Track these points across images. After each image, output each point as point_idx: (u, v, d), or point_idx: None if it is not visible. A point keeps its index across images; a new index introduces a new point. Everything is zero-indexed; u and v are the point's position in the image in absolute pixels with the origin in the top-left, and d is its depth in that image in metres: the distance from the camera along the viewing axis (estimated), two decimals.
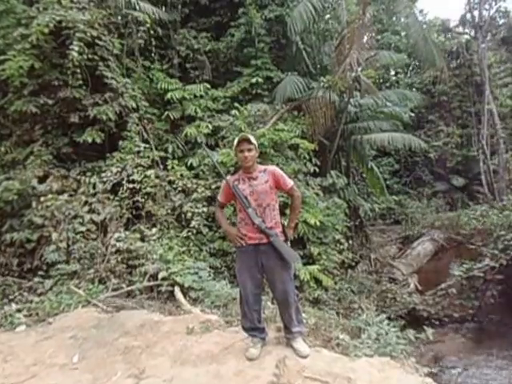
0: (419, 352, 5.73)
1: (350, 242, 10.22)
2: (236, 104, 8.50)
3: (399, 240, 13.03)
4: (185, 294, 5.21)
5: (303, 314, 4.39)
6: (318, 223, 7.18)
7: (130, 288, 5.39)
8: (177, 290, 5.02)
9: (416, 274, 10.09)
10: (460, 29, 18.33)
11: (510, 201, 9.68)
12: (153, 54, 9.12)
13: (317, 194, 8.22)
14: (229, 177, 3.47)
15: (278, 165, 7.71)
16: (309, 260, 7.41)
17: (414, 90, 16.99)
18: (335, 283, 7.67)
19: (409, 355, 3.62)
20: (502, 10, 17.27)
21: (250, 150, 3.25)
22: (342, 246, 8.23)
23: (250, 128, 8.12)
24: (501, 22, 18.20)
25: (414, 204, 15.62)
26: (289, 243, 3.36)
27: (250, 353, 3.30)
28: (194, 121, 8.34)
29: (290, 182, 3.37)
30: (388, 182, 16.32)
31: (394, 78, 20.52)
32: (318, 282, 6.99)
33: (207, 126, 8.05)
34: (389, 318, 7.45)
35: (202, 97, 8.77)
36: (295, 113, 8.88)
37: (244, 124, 8.11)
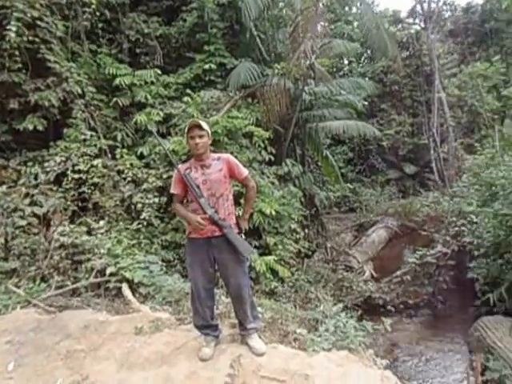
0: (377, 342, 5.79)
1: (306, 231, 10.21)
2: (188, 91, 8.16)
3: (354, 228, 13.23)
4: (135, 290, 4.91)
5: (259, 308, 4.23)
6: (273, 213, 7.04)
7: (75, 285, 5.05)
8: (125, 286, 4.69)
9: (371, 262, 10.27)
10: (410, 20, 18.83)
11: (460, 188, 10.02)
12: (100, 38, 8.56)
13: (272, 183, 8.08)
14: (180, 165, 3.21)
15: (232, 153, 7.43)
16: (265, 251, 7.27)
17: (366, 79, 17.24)
18: (292, 274, 7.60)
19: (367, 347, 3.56)
20: (449, 2, 17.91)
21: (201, 137, 3.03)
22: (298, 236, 8.16)
23: (203, 115, 7.84)
24: (447, 14, 18.95)
25: (368, 192, 15.97)
26: (243, 235, 3.17)
27: (203, 353, 3.10)
28: (144, 108, 7.91)
29: (244, 171, 3.18)
30: (343, 171, 16.56)
31: (347, 67, 20.81)
32: (274, 272, 6.86)
33: (158, 114, 7.64)
34: (346, 307, 7.51)
35: (152, 83, 8.32)
36: (249, 100, 8.67)
37: (197, 111, 7.81)
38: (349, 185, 15.28)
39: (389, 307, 7.55)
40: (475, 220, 7.43)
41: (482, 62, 17.48)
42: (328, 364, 3.06)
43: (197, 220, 2.94)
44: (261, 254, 7.24)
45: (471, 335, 5.75)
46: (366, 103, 14.28)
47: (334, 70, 18.72)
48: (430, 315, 7.45)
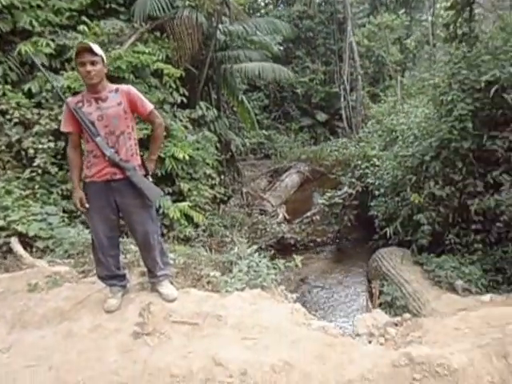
0: (288, 278, 6.07)
1: (222, 176, 10.15)
2: (85, 19, 7.10)
3: (269, 173, 13.53)
4: (31, 245, 4.41)
5: (171, 255, 4.09)
6: (186, 157, 6.75)
7: None
8: (14, 240, 4.18)
9: (284, 205, 10.65)
10: None
11: (365, 133, 10.59)
12: None
13: (185, 127, 7.69)
14: (70, 98, 2.77)
15: None
16: (179, 197, 7.04)
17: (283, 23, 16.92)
18: (207, 219, 7.56)
19: (279, 284, 3.67)
20: None
21: (94, 63, 2.59)
22: (213, 181, 8.03)
23: (103, 49, 6.94)
24: None
25: (282, 138, 16.28)
26: (150, 178, 2.89)
27: (109, 304, 2.89)
28: (30, 36, 6.71)
29: (149, 106, 2.82)
30: (258, 117, 16.51)
31: (263, 10, 20.20)
32: (189, 218, 6.72)
33: (49, 45, 6.55)
34: (260, 248, 7.75)
35: (39, 7, 7.03)
36: (158, 34, 7.88)
37: (96, 43, 6.89)
38: (264, 131, 15.39)
39: (299, 246, 7.99)
40: (377, 163, 7.96)
41: (389, 14, 18.09)
42: (241, 303, 3.08)
43: (79, 197, 2.70)
44: (175, 201, 7.01)
45: (370, 265, 6.34)
46: (281, 48, 14.10)
47: (251, 11, 18.04)
48: (336, 251, 8.09)
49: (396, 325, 3.32)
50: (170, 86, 7.64)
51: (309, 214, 8.63)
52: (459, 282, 4.86)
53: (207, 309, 2.92)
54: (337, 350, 2.59)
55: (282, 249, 7.87)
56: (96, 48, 2.61)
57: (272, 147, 15.73)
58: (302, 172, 12.88)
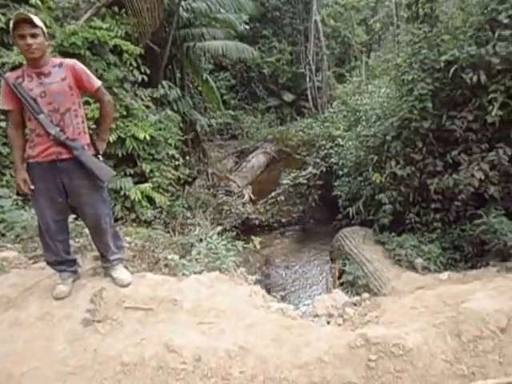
0: (251, 259, 6.05)
1: (187, 157, 9.98)
2: None
3: (236, 154, 13.40)
4: None
5: (127, 238, 3.97)
6: (147, 138, 6.53)
7: None
8: None
9: (250, 186, 10.60)
10: None
11: (330, 114, 10.62)
12: None
13: (147, 107, 7.43)
14: (8, 73, 2.55)
15: (97, 70, 6.58)
16: (140, 178, 6.85)
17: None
18: (171, 200, 7.41)
19: (238, 266, 3.62)
20: None
21: (34, 36, 2.40)
22: (177, 162, 7.86)
23: (57, 24, 6.57)
24: None
25: (249, 119, 16.10)
26: (100, 158, 2.74)
27: (59, 290, 2.76)
28: None
29: (97, 82, 2.65)
30: (225, 97, 16.26)
31: None
32: (151, 200, 6.56)
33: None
34: (225, 230, 7.69)
35: None
36: (116, 9, 7.48)
37: (50, 18, 6.47)
38: (231, 112, 15.17)
39: (264, 226, 8.01)
40: (341, 143, 8.01)
41: None
42: (198, 286, 3.01)
43: (22, 178, 2.53)
44: (136, 182, 6.82)
45: (333, 245, 6.43)
46: (247, 27, 13.78)
47: None
48: (301, 231, 8.16)
49: (355, 305, 3.36)
50: (131, 64, 7.33)
51: (273, 194, 8.63)
52: (419, 261, 4.98)
53: (162, 293, 2.84)
54: (294, 332, 2.58)
55: (247, 230, 7.86)
56: (36, 20, 2.41)
57: (239, 128, 15.54)
58: (269, 152, 12.84)
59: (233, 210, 8.18)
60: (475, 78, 4.92)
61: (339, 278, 5.58)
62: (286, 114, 17.65)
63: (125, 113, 6.63)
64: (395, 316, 2.85)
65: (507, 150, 4.89)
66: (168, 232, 6.55)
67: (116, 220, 5.84)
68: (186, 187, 9.00)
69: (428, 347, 2.26)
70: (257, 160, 12.12)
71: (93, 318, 2.58)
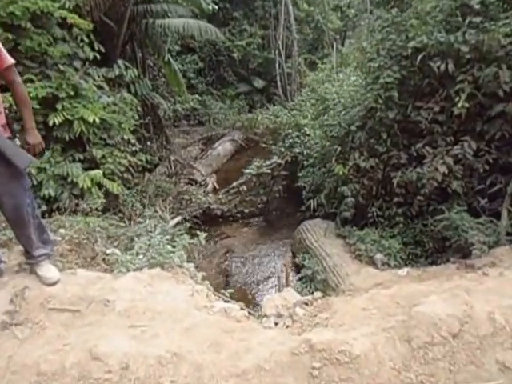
0: (214, 248, 5.70)
1: (149, 143, 9.48)
2: None
3: (202, 141, 12.92)
4: None
5: (61, 230, 3.56)
6: (98, 121, 6.01)
7: None
8: None
9: (215, 174, 10.22)
10: None
11: (299, 101, 10.31)
12: None
13: (100, 87, 6.87)
14: None
15: (40, 45, 5.98)
16: (91, 164, 6.33)
17: None
18: (127, 189, 6.95)
19: (183, 261, 3.30)
20: None
21: None
22: (134, 148, 7.34)
23: None
24: None
25: (217, 105, 15.60)
26: (17, 142, 2.39)
27: None
28: None
29: (8, 60, 2.29)
30: (193, 82, 15.70)
31: None
32: (102, 188, 6.08)
33: None
34: (185, 220, 7.33)
35: None
36: None
37: None
38: (198, 97, 14.61)
39: (226, 217, 7.70)
40: (308, 132, 7.73)
41: None
42: (134, 285, 2.73)
43: None
44: (86, 169, 6.31)
45: (294, 238, 6.19)
46: (216, 7, 13.20)
47: None
48: (264, 222, 7.88)
49: (306, 304, 3.14)
50: (82, 40, 6.73)
51: (235, 184, 8.30)
52: (379, 256, 4.82)
53: (94, 293, 2.55)
54: (235, 336, 2.36)
55: (209, 220, 7.54)
56: None
57: (206, 114, 15.00)
58: (236, 140, 12.45)
59: (194, 200, 7.82)
60: (443, 67, 4.70)
61: (299, 272, 5.38)
62: (256, 101, 17.21)
63: (72, 93, 6.07)
64: (345, 318, 2.68)
65: (472, 144, 4.72)
66: (124, 222, 6.12)
67: (65, 210, 5.38)
68: (146, 175, 8.52)
69: (376, 354, 2.11)
70: (223, 148, 11.71)
71: (11, 320, 2.29)
